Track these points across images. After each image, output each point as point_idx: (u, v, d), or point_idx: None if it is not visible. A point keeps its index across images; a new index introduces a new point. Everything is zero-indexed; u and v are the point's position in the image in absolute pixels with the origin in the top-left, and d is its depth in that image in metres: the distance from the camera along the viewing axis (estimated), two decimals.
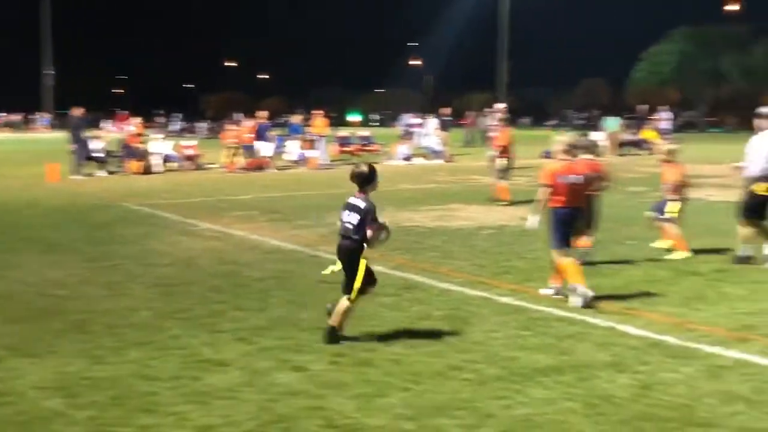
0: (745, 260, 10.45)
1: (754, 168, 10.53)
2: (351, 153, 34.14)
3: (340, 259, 7.20)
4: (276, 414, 5.40)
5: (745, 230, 10.58)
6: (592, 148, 10.67)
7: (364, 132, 39.42)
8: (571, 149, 8.88)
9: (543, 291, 8.83)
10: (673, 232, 11.13)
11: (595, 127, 44.12)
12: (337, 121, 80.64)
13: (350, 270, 7.06)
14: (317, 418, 5.31)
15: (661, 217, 11.35)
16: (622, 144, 38.13)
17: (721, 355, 6.59)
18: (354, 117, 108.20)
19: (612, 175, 11.13)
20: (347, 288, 7.07)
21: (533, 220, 8.88)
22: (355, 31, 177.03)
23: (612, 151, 37.09)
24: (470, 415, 5.35)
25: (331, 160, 31.06)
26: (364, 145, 35.28)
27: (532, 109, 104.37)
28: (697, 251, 11.10)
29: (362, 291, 7.07)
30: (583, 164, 9.20)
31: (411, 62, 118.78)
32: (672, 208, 11.20)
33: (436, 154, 33.45)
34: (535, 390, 5.78)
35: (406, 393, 5.76)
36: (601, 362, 6.41)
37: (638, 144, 38.23)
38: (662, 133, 40.33)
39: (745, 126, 64.50)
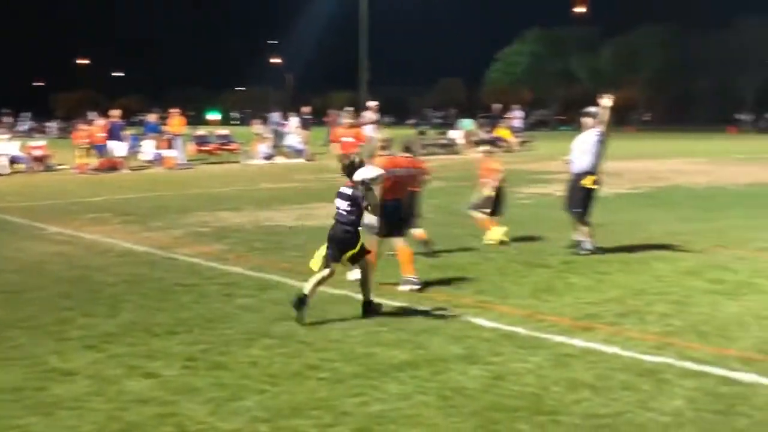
0: (582, 252, 10.95)
1: (579, 164, 11.12)
2: (209, 152, 33.59)
3: (332, 240, 7.79)
4: (125, 422, 5.22)
5: (580, 225, 11.13)
6: (411, 146, 11.25)
7: (223, 131, 38.85)
8: (388, 144, 9.54)
9: (400, 287, 8.96)
10: (479, 217, 12.08)
11: (452, 126, 45.24)
12: (197, 119, 79.09)
13: (341, 250, 7.74)
14: (168, 425, 5.17)
15: (471, 209, 12.32)
16: (478, 142, 39.16)
17: (567, 344, 6.84)
18: (213, 115, 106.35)
19: (431, 171, 11.55)
20: (355, 261, 7.86)
21: (371, 217, 9.08)
22: (215, 29, 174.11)
23: (468, 149, 38.05)
24: (326, 414, 5.34)
25: (189, 160, 30.44)
26: (223, 144, 34.78)
27: (393, 108, 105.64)
28: (545, 243, 11.56)
29: (360, 257, 7.84)
30: (402, 159, 9.69)
31: (272, 60, 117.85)
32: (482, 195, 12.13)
33: (297, 152, 33.34)
34: (391, 385, 5.84)
35: (262, 395, 5.69)
36: (454, 355, 6.53)
37: (493, 142, 39.32)
38: (515, 131, 41.75)
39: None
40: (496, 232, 11.85)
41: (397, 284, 9.01)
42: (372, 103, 29.12)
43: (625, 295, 8.61)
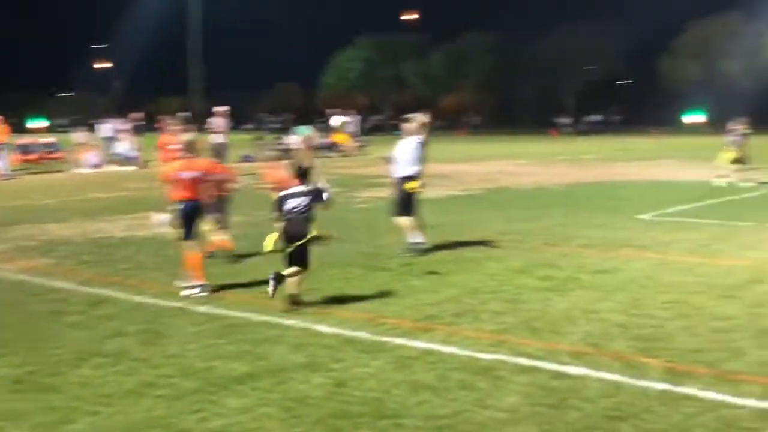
0: (417, 248, 11.26)
1: (401, 169, 11.60)
2: (34, 161, 31.94)
3: (292, 237, 8.33)
4: None
5: (404, 222, 11.55)
6: (217, 150, 11.47)
7: (49, 139, 37.06)
8: (189, 147, 9.66)
9: (183, 292, 9.12)
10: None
11: (290, 132, 45.11)
12: (19, 127, 74.99)
13: (300, 244, 8.33)
14: None
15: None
16: (316, 147, 39.23)
17: (408, 346, 6.93)
18: (37, 123, 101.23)
19: (235, 176, 11.74)
20: (300, 261, 8.34)
21: (160, 217, 9.53)
22: (38, 31, 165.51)
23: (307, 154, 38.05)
24: None
25: (12, 170, 28.76)
26: (49, 152, 33.17)
27: (229, 113, 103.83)
28: (384, 247, 11.71)
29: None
30: (202, 162, 9.84)
31: (100, 65, 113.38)
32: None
33: (128, 160, 32.24)
34: (232, 399, 5.71)
35: (95, 417, 5.43)
36: (296, 364, 6.47)
37: (330, 147, 39.63)
38: (351, 136, 42.19)
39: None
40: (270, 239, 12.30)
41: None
42: (221, 109, 28.50)
43: (461, 295, 8.83)
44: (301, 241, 8.33)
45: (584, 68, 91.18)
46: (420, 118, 11.85)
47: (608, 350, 6.76)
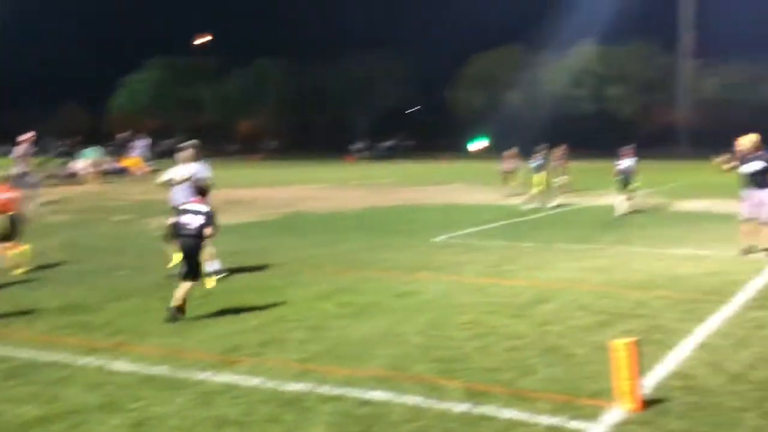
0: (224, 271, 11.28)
1: (176, 197, 11.49)
2: None
3: (184, 252, 8.94)
4: None
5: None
6: (21, 178, 11.41)
7: None
8: None
9: None
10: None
11: (76, 155, 43.11)
12: None
13: (192, 260, 8.93)
14: None
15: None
16: (105, 172, 37.80)
17: (211, 381, 6.73)
18: None
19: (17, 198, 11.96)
20: (189, 275, 8.89)
21: None
22: None
23: (94, 179, 36.46)
24: None
25: None
26: None
27: (8, 136, 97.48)
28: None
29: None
30: None
31: None
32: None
33: None
34: None
35: None
36: (91, 405, 6.11)
37: (121, 171, 38.30)
38: (142, 159, 40.99)
39: (217, 153, 68.53)
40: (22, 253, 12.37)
41: None
42: (25, 136, 26.72)
43: (263, 324, 8.72)
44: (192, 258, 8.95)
45: (376, 95, 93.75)
46: (195, 144, 12.14)
47: (410, 373, 6.90)
